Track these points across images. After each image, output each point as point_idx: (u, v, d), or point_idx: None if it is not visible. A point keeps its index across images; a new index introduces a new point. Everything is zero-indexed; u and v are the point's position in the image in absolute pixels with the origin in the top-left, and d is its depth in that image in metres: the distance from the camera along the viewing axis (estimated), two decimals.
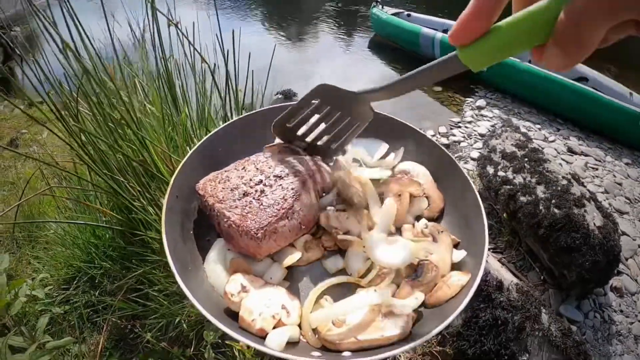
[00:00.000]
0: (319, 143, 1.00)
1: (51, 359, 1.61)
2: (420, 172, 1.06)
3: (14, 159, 4.02)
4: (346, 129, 0.96)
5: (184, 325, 1.53)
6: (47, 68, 1.55)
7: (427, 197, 1.02)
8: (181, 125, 1.64)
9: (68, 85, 1.54)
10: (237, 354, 1.38)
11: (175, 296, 1.58)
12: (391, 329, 0.76)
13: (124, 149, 1.40)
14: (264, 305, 0.78)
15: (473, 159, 4.16)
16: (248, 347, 1.35)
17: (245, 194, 0.87)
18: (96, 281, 1.93)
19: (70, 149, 2.35)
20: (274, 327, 0.76)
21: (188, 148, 1.68)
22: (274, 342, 0.71)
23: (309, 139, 0.99)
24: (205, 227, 0.97)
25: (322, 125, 0.97)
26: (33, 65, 1.47)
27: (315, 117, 0.94)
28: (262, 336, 0.75)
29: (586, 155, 4.44)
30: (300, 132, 0.97)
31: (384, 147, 1.17)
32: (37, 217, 2.66)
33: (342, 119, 0.94)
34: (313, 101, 0.90)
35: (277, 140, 1.06)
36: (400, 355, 1.50)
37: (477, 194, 0.94)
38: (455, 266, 0.91)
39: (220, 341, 1.46)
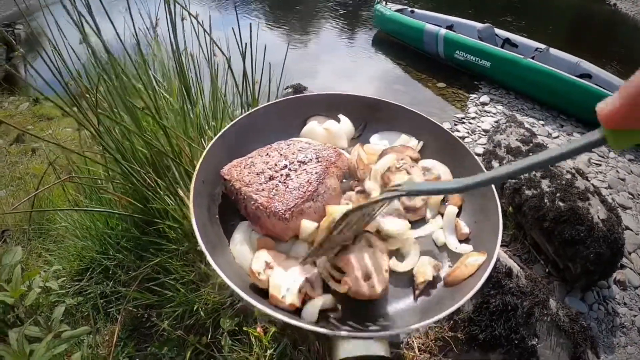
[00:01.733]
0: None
1: (68, 348, 1.64)
2: (441, 170, 1.08)
3: (21, 155, 4.05)
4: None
5: (202, 312, 1.55)
6: (61, 61, 1.58)
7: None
8: (196, 118, 1.67)
9: (86, 77, 1.57)
10: (253, 340, 1.41)
11: (192, 284, 1.61)
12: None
13: (145, 137, 1.42)
14: (290, 279, 0.81)
15: (478, 154, 4.19)
16: (265, 332, 1.38)
17: (271, 178, 0.91)
18: (110, 272, 1.95)
19: (80, 143, 2.39)
20: (302, 301, 0.79)
21: (202, 140, 1.71)
22: (309, 314, 0.75)
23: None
24: (229, 212, 1.00)
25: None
26: (45, 59, 1.49)
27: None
28: (292, 311, 0.78)
29: (590, 151, 4.46)
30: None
31: (404, 138, 1.19)
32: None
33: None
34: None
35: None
36: (413, 341, 1.53)
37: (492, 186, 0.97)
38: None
39: (236, 328, 1.48)
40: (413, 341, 1.54)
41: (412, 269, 0.89)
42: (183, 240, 1.65)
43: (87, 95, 1.53)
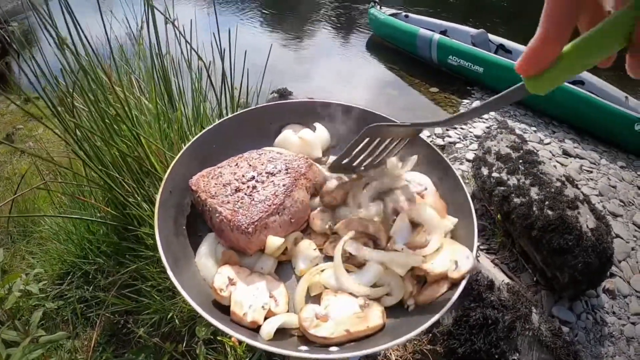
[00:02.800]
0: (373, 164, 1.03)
1: (44, 353, 1.62)
2: (424, 183, 1.06)
3: (9, 154, 4.01)
4: (396, 148, 1.00)
5: (177, 321, 1.54)
6: (44, 63, 1.56)
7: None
8: (176, 123, 1.65)
9: (64, 81, 1.55)
10: (228, 349, 1.39)
11: (168, 292, 1.59)
12: (374, 319, 0.78)
13: (119, 145, 1.40)
14: (253, 295, 0.79)
15: (468, 160, 4.18)
16: (240, 342, 1.36)
17: (237, 190, 0.89)
18: (90, 276, 1.93)
19: (66, 145, 2.36)
20: (265, 318, 0.77)
21: (183, 145, 1.68)
22: (265, 332, 0.73)
23: (363, 166, 1.01)
24: (198, 223, 0.98)
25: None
26: (30, 61, 1.47)
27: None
28: (254, 328, 0.76)
29: (581, 158, 4.47)
30: (354, 163, 0.99)
31: (392, 163, 1.17)
32: (32, 212, 2.66)
33: (391, 143, 0.97)
34: (365, 139, 0.92)
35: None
36: (390, 353, 1.52)
37: (469, 197, 0.96)
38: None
39: (212, 337, 1.46)
40: (391, 354, 1.52)
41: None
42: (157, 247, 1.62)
43: (66, 102, 1.51)
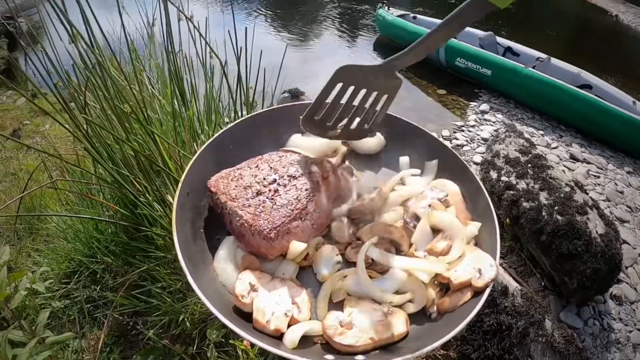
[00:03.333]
0: (351, 127, 0.97)
1: (52, 354, 1.60)
2: (447, 189, 1.02)
3: (15, 150, 4.00)
4: (375, 105, 0.93)
5: (187, 323, 1.52)
6: (56, 58, 1.54)
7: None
8: (188, 121, 1.63)
9: (76, 77, 1.53)
10: (240, 353, 1.37)
11: (179, 294, 1.57)
12: (398, 326, 0.76)
13: (132, 142, 1.38)
14: (275, 302, 0.77)
15: (476, 163, 4.15)
16: (252, 346, 1.34)
17: (258, 193, 0.87)
18: (97, 276, 1.91)
19: (74, 141, 2.35)
20: (288, 325, 0.75)
21: (195, 144, 1.67)
22: (289, 341, 0.71)
23: (340, 126, 0.96)
24: (215, 225, 0.96)
25: (351, 108, 0.93)
26: (41, 55, 1.45)
27: (342, 101, 0.91)
28: (277, 336, 0.74)
29: (588, 162, 4.44)
30: (330, 122, 0.94)
31: (404, 160, 1.15)
32: (39, 209, 2.65)
33: (369, 96, 0.91)
34: (338, 84, 0.87)
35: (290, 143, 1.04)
36: None
37: (490, 202, 0.94)
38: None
39: (223, 340, 1.45)
40: None
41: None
42: (171, 248, 1.61)
43: (77, 96, 1.49)
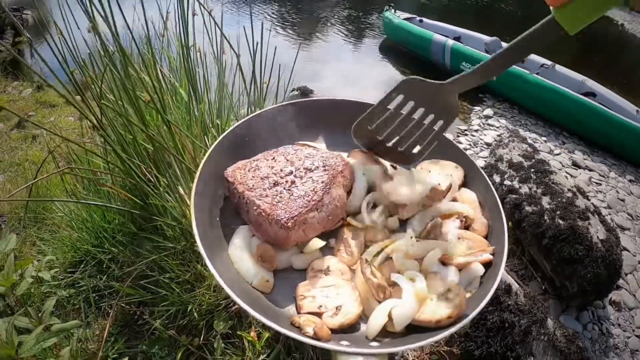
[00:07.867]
0: (399, 149, 0.95)
1: (57, 341, 1.61)
2: (468, 198, 1.02)
3: (20, 141, 4.02)
4: (430, 130, 0.91)
5: (195, 314, 1.53)
6: (68, 48, 1.55)
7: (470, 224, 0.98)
8: (200, 114, 1.65)
9: (92, 65, 1.55)
10: (247, 344, 1.39)
11: (187, 284, 1.58)
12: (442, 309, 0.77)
13: (148, 131, 1.40)
14: (325, 297, 0.80)
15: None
16: (259, 337, 1.36)
17: (275, 184, 0.89)
18: (104, 266, 1.92)
19: (82, 132, 2.36)
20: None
21: (205, 137, 1.69)
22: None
23: (390, 143, 0.95)
24: (230, 214, 0.98)
25: (405, 126, 0.91)
26: (54, 45, 1.46)
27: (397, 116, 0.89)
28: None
29: (590, 170, 4.46)
30: (381, 136, 0.93)
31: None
32: (45, 198, 2.66)
33: (426, 116, 0.89)
34: (399, 96, 0.87)
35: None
36: (408, 353, 1.52)
37: (499, 202, 0.95)
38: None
39: (230, 332, 1.46)
40: (408, 354, 1.52)
41: None
42: (180, 239, 1.62)
43: (92, 85, 1.51)
